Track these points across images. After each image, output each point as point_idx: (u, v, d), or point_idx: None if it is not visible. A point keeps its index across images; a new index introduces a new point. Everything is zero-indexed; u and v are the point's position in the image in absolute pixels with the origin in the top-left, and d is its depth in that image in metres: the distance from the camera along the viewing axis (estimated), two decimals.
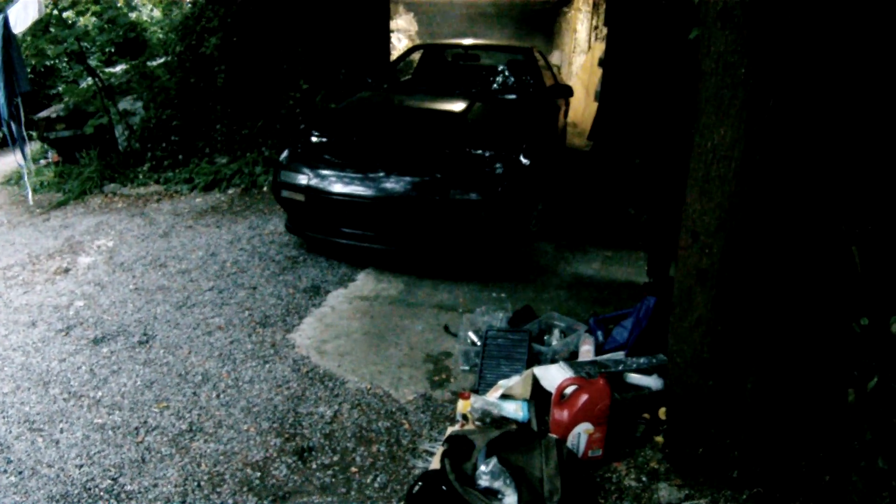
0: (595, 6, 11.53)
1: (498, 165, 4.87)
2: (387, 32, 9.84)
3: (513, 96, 6.52)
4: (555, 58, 12.86)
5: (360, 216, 4.95)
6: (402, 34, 12.41)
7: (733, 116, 2.26)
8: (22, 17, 7.07)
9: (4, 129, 7.99)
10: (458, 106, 5.88)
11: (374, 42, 8.90)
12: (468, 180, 4.74)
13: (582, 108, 10.57)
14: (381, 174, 4.90)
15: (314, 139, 5.57)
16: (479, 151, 5.01)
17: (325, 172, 5.04)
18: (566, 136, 8.52)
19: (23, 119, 7.72)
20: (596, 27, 11.37)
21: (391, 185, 4.83)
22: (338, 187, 4.94)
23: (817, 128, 2.25)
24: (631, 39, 7.25)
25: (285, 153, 5.46)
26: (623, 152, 7.11)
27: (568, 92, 7.04)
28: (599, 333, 3.57)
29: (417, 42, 12.55)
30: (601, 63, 8.32)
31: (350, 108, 6.18)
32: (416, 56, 8.11)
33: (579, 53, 12.01)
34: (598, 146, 8.25)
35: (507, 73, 7.05)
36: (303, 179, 5.07)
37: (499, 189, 4.72)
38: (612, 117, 7.82)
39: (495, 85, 6.98)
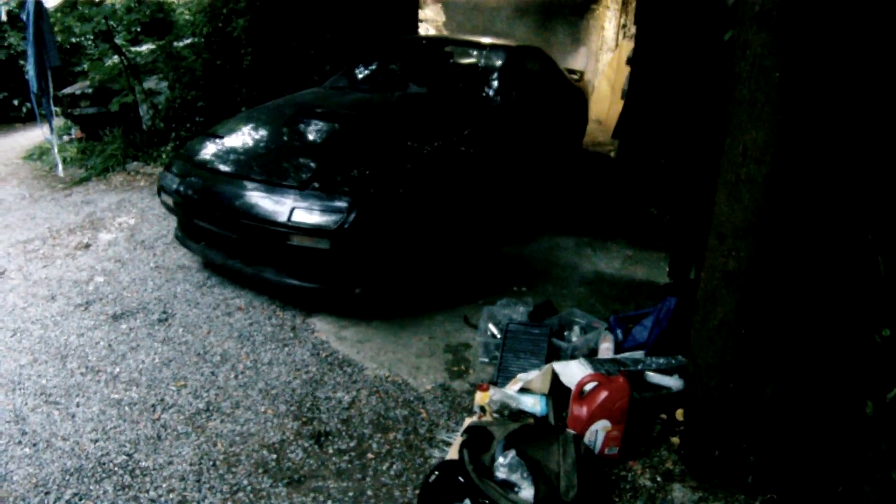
0: (624, 4, 11.48)
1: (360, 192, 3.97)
2: (415, 22, 9.81)
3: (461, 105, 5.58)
4: (581, 55, 12.79)
5: (223, 226, 4.28)
6: (430, 24, 12.37)
7: (766, 120, 2.25)
8: None
9: (33, 101, 8.07)
10: (375, 113, 5.27)
11: (401, 31, 8.88)
12: (322, 201, 3.93)
13: (607, 105, 10.52)
14: (248, 184, 4.19)
15: (209, 141, 4.94)
16: (353, 171, 4.20)
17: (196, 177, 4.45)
18: (583, 135, 8.38)
19: (52, 93, 7.78)
20: (624, 25, 11.32)
21: (253, 198, 4.10)
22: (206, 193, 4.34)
23: (848, 135, 2.23)
24: (661, 39, 7.19)
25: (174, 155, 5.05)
26: (648, 151, 7.07)
27: (573, 97, 6.93)
28: (619, 332, 3.57)
29: (445, 33, 12.52)
30: (629, 61, 8.25)
31: (270, 108, 5.55)
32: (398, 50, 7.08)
33: (606, 51, 11.95)
34: (623, 144, 8.21)
35: (471, 78, 6.24)
36: (174, 183, 4.51)
37: (360, 214, 3.85)
38: (638, 116, 7.77)
39: (445, 90, 5.96)
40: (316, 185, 4.03)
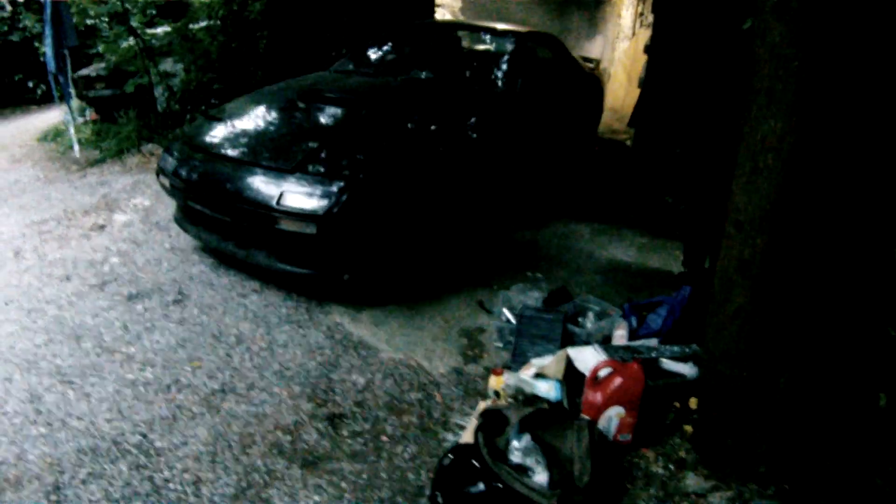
0: None
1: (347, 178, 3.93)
2: (432, 7, 9.81)
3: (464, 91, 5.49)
4: (597, 43, 12.73)
5: (215, 209, 4.28)
6: (447, 9, 12.33)
7: (784, 109, 2.24)
8: None
9: (51, 82, 8.10)
10: (375, 97, 5.17)
11: (418, 16, 8.86)
12: (311, 185, 3.91)
13: (623, 94, 10.48)
14: (241, 167, 4.22)
15: (209, 123, 4.97)
16: (343, 157, 4.16)
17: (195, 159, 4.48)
18: (598, 123, 8.30)
19: (69, 73, 7.81)
20: (641, 14, 11.24)
21: (245, 180, 4.11)
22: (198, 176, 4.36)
23: (867, 125, 2.22)
24: (679, 27, 7.15)
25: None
26: (664, 140, 7.05)
27: (587, 85, 6.84)
28: (633, 319, 3.57)
29: (461, 17, 12.48)
30: (646, 49, 8.22)
31: (272, 91, 5.51)
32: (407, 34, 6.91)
33: (623, 39, 11.89)
34: (639, 133, 8.19)
35: (478, 63, 6.18)
36: (170, 165, 4.54)
37: (350, 198, 3.84)
38: (654, 105, 7.74)
39: (450, 76, 5.85)
40: (308, 168, 4.02)
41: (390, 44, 6.48)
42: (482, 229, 5.28)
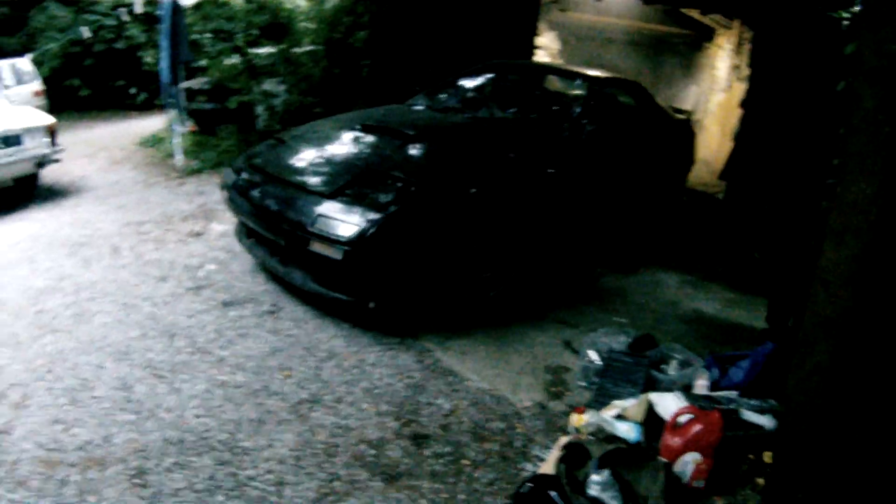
0: (739, 44, 11.35)
1: (386, 208, 4.04)
2: (531, 47, 10.00)
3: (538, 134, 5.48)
4: (692, 93, 12.70)
5: (261, 225, 4.50)
6: (545, 51, 12.53)
7: (874, 172, 2.30)
8: None
9: (162, 92, 8.55)
10: (433, 133, 5.20)
11: (518, 55, 9.03)
12: (345, 212, 4.04)
13: (716, 146, 10.43)
14: (287, 188, 4.43)
15: (272, 144, 5.21)
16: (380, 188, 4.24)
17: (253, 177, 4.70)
18: (687, 173, 8.19)
19: (181, 85, 8.24)
20: (737, 67, 11.20)
21: (288, 200, 4.32)
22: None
23: None
24: (775, 84, 7.16)
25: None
26: (754, 196, 7.03)
27: (675, 134, 6.82)
28: (716, 370, 3.62)
29: (559, 60, 12.64)
30: (742, 104, 8.22)
31: (338, 119, 5.70)
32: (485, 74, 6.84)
33: (717, 91, 11.84)
34: (730, 187, 8.16)
35: (548, 106, 6.15)
36: (229, 180, 4.86)
37: (376, 230, 3.92)
38: (746, 160, 7.73)
39: (517, 117, 5.85)
40: (346, 195, 4.14)
41: (467, 82, 6.55)
42: (563, 271, 5.37)
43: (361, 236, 3.87)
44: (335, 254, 3.93)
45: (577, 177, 5.37)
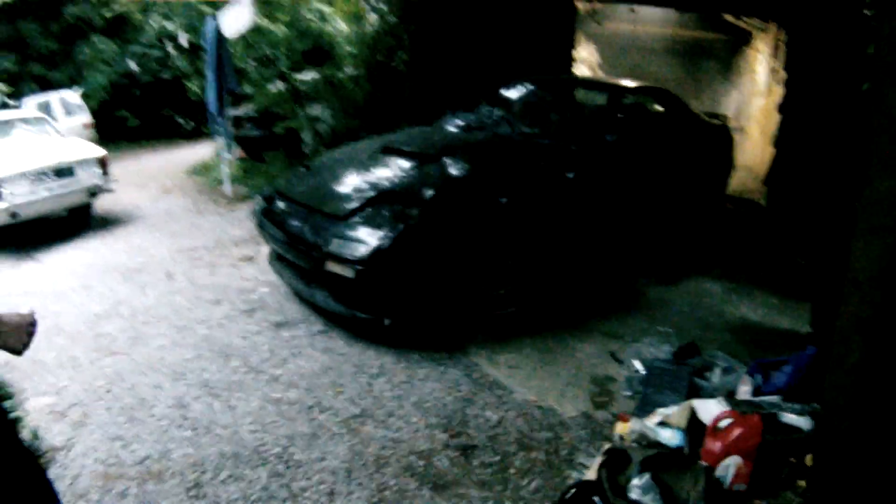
0: (776, 47, 11.27)
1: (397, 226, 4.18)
2: (569, 60, 10.03)
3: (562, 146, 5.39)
4: (733, 98, 12.62)
5: (284, 248, 4.72)
6: (584, 64, 12.57)
7: None
8: (234, 23, 7.86)
9: (210, 121, 8.80)
10: (450, 153, 5.12)
11: (557, 69, 9.08)
12: (356, 232, 4.21)
13: (759, 151, 10.36)
14: (307, 211, 4.64)
15: (299, 170, 5.50)
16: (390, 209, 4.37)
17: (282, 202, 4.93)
18: (727, 179, 8.11)
19: (228, 115, 8.48)
20: (775, 70, 11.13)
21: (307, 223, 4.53)
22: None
23: None
24: (811, 87, 7.12)
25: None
26: (796, 201, 6.99)
27: (712, 140, 6.80)
28: (758, 376, 3.65)
29: (599, 73, 12.68)
30: (780, 108, 8.18)
31: (363, 143, 5.86)
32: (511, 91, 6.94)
33: (757, 95, 11.76)
34: (772, 192, 8.11)
35: (573, 117, 6.24)
36: (258, 205, 5.12)
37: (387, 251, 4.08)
38: (787, 164, 7.69)
39: (539, 135, 5.72)
40: (359, 216, 4.31)
41: (493, 100, 6.61)
42: (601, 282, 5.42)
43: (372, 255, 4.06)
44: (348, 272, 4.11)
45: (604, 186, 5.42)
